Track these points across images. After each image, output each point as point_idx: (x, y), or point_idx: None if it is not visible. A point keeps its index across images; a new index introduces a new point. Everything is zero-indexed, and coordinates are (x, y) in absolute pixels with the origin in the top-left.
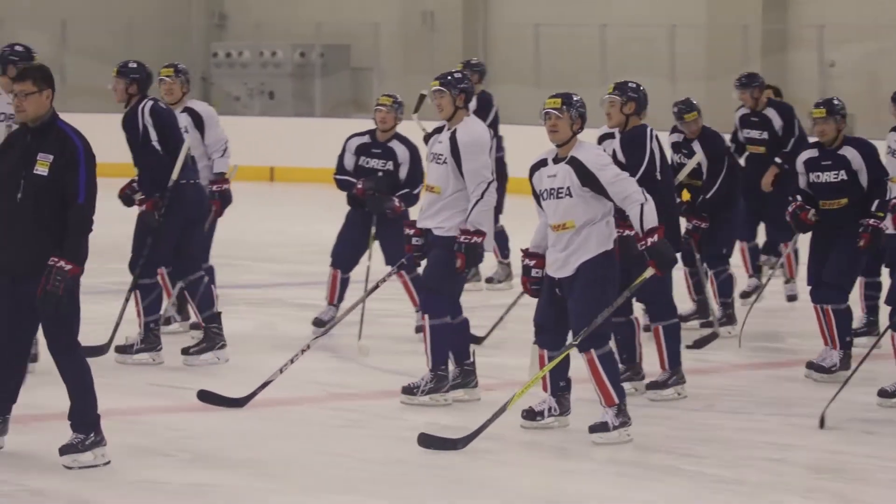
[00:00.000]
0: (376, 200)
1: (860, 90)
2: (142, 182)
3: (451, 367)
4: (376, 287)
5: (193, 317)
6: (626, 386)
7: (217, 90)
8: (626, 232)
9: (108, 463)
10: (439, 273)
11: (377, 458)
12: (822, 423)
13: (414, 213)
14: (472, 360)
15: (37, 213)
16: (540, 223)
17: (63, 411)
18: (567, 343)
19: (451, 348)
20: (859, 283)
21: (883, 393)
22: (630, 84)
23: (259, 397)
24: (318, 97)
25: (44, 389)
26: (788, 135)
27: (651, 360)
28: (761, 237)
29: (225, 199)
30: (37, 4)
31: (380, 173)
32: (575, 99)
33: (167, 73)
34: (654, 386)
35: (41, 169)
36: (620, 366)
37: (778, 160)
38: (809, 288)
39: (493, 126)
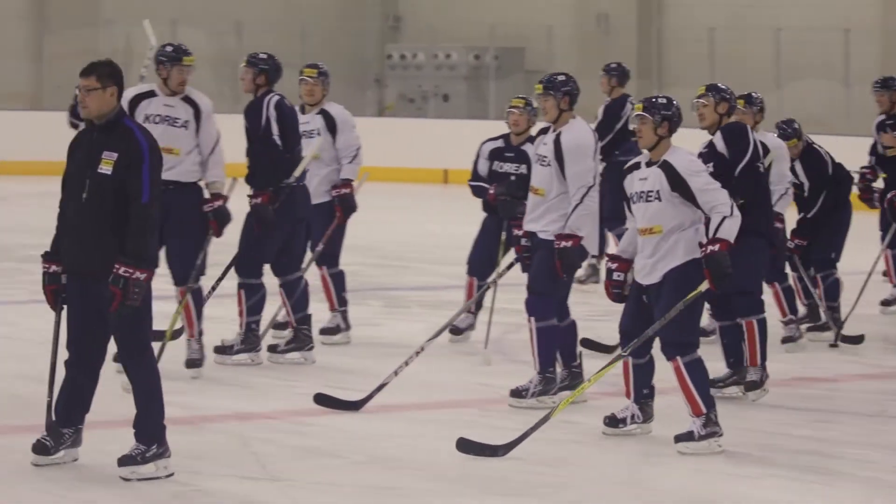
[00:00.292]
0: (508, 205)
1: None
2: (253, 175)
3: (559, 369)
4: (486, 288)
5: (280, 317)
6: (734, 390)
7: (391, 92)
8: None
9: (172, 475)
10: (543, 276)
11: (540, 460)
12: None
13: None
14: (579, 362)
15: (102, 213)
16: (630, 228)
17: (241, 412)
18: (615, 354)
19: (559, 350)
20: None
21: None
22: (721, 85)
23: (403, 401)
24: (492, 99)
25: (212, 389)
26: None
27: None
28: None
29: (347, 205)
30: (211, 6)
31: (512, 177)
32: (660, 101)
33: (310, 73)
34: (752, 386)
35: (105, 168)
36: (726, 370)
37: None
38: None
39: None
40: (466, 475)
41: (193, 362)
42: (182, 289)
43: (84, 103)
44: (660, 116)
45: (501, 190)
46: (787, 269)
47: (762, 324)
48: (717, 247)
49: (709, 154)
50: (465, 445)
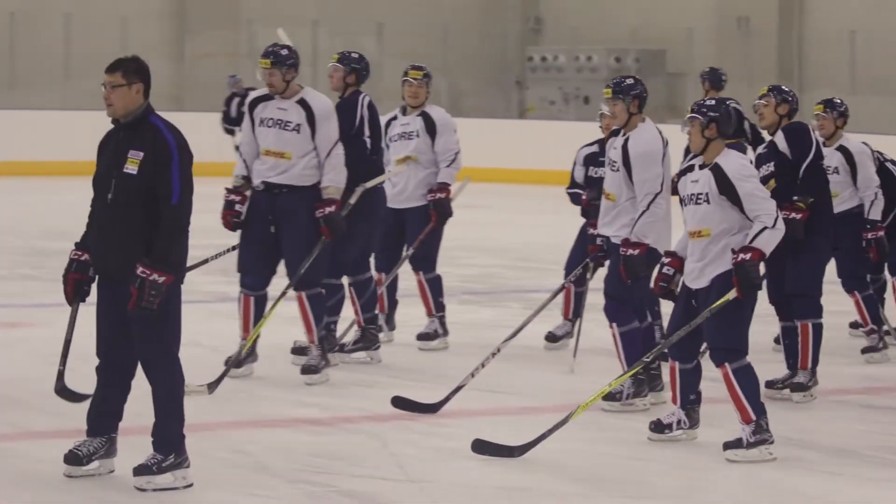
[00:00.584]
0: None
1: None
2: None
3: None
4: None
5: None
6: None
7: (532, 94)
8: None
9: (191, 486)
10: (616, 281)
11: (680, 464)
12: None
13: None
14: (658, 363)
15: (128, 215)
16: (685, 231)
17: (378, 413)
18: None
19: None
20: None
21: None
22: (784, 87)
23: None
24: None
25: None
26: None
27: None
28: None
29: (441, 211)
30: (352, 8)
31: None
32: (707, 103)
33: (415, 75)
34: (798, 388)
35: (131, 167)
36: (787, 371)
37: None
38: None
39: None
40: (599, 476)
41: (310, 368)
42: (300, 294)
43: (108, 100)
44: (706, 118)
45: (593, 195)
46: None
47: (818, 328)
48: (748, 255)
49: (769, 154)
50: (481, 446)
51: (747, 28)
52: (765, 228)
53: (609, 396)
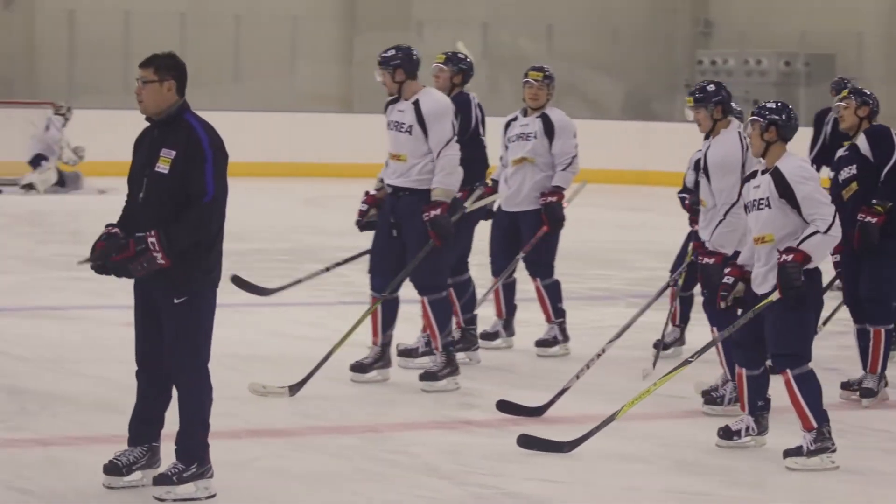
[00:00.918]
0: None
1: None
2: None
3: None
4: (658, 296)
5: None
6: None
7: None
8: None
9: (214, 496)
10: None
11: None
12: None
13: None
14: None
15: (160, 215)
16: (749, 239)
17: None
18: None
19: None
20: None
21: None
22: (865, 90)
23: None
24: (802, 106)
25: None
26: None
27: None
28: None
29: (553, 216)
30: (523, 8)
31: None
32: (769, 105)
33: (536, 76)
34: (867, 393)
35: (162, 166)
36: (862, 373)
37: None
38: None
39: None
40: (762, 482)
41: (430, 375)
42: (422, 299)
43: (139, 96)
44: (766, 121)
45: (694, 199)
46: None
47: (888, 334)
48: (790, 256)
49: (850, 156)
50: (528, 442)
51: None
52: (816, 232)
53: (710, 400)
